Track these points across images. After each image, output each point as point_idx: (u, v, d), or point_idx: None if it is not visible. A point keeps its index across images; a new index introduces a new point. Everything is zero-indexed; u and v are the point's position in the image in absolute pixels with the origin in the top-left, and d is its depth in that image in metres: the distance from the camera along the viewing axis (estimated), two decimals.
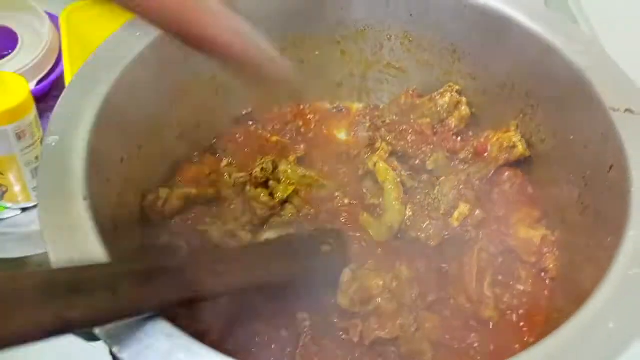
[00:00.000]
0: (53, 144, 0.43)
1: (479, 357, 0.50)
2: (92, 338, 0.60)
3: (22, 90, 0.64)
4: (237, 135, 0.68)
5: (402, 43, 0.66)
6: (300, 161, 0.64)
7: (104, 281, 0.31)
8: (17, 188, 0.72)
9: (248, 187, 0.60)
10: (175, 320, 0.36)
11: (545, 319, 0.51)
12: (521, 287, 0.54)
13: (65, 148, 0.43)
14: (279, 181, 0.61)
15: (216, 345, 0.36)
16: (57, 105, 0.46)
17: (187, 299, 0.37)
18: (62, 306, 0.29)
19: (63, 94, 0.47)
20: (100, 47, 0.51)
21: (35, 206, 0.73)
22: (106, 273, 0.32)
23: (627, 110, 0.47)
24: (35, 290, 0.28)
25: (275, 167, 0.61)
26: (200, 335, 0.47)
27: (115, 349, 0.33)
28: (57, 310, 0.29)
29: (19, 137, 0.65)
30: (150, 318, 0.35)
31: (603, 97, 0.49)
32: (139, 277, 0.34)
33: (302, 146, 0.65)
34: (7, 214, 0.74)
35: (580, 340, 0.35)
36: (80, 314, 0.30)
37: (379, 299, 0.51)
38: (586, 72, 0.50)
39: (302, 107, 0.71)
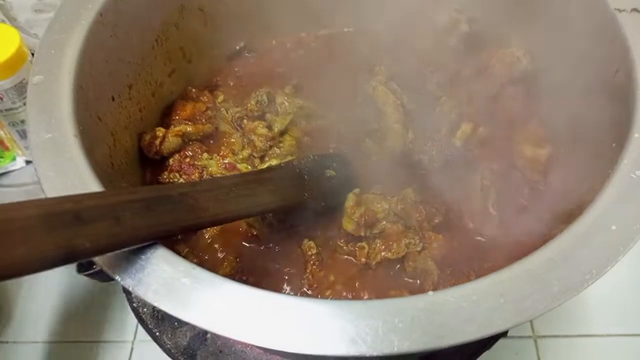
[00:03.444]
0: (38, 83, 0.42)
1: (484, 274, 0.50)
2: (105, 279, 0.61)
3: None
4: (236, 70, 0.66)
5: None
6: (297, 91, 0.62)
7: (106, 210, 0.31)
8: (13, 143, 0.72)
9: (245, 121, 0.59)
10: (186, 256, 0.37)
11: (549, 234, 0.51)
12: (525, 203, 0.54)
13: (51, 87, 0.42)
14: (277, 113, 0.60)
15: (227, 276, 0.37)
16: (39, 44, 0.45)
17: (190, 226, 0.37)
18: (68, 235, 0.29)
19: (44, 32, 0.45)
20: None
21: None
22: (107, 202, 0.32)
23: (633, 9, 0.45)
24: (40, 219, 0.28)
25: (271, 100, 0.59)
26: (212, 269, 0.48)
27: (117, 277, 0.34)
28: (62, 239, 0.29)
29: None
30: (151, 246, 0.35)
31: None
32: (141, 205, 0.33)
33: (296, 76, 0.63)
34: (13, 166, 0.75)
35: (581, 244, 0.35)
36: (85, 242, 0.30)
37: (384, 222, 0.51)
38: None
39: (301, 35, 0.69)
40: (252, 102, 0.60)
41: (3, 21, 0.78)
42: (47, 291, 0.72)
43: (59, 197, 0.31)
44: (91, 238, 0.30)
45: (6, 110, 0.67)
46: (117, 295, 0.71)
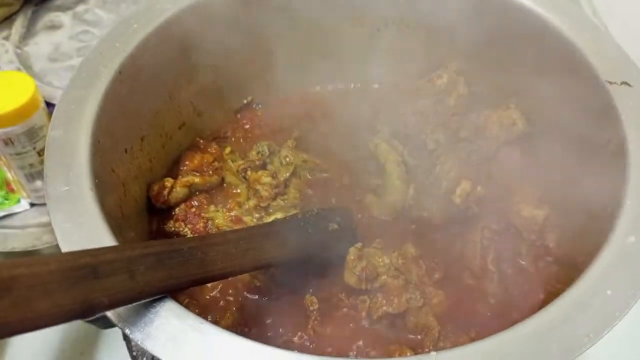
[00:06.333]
0: (57, 136, 0.44)
1: (484, 330, 0.50)
2: (107, 325, 0.61)
3: (14, 100, 0.59)
4: (243, 122, 0.69)
5: (398, 27, 0.66)
6: (301, 145, 0.64)
7: (121, 264, 0.32)
8: (18, 185, 0.73)
9: (249, 172, 0.61)
10: (187, 306, 0.37)
11: (546, 293, 0.52)
12: (523, 263, 0.55)
13: (70, 141, 0.44)
14: (280, 164, 0.62)
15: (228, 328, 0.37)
16: (59, 100, 0.47)
17: (199, 279, 0.38)
18: (85, 289, 0.30)
19: (66, 87, 0.48)
20: (99, 40, 0.52)
21: (43, 203, 0.75)
22: (122, 257, 0.33)
23: (623, 82, 0.48)
24: (60, 274, 0.29)
25: (272, 151, 0.61)
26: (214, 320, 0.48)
27: (127, 330, 0.34)
28: (81, 294, 0.30)
29: (6, 143, 0.64)
30: (160, 300, 0.36)
31: (599, 71, 0.49)
32: (153, 259, 0.35)
33: (300, 130, 0.65)
34: (18, 208, 0.76)
35: (579, 308, 0.36)
36: (102, 297, 0.31)
37: (385, 277, 0.52)
38: (583, 48, 0.51)
39: (307, 91, 0.72)
40: (253, 153, 0.62)
41: (19, 69, 0.81)
42: (41, 334, 0.71)
43: (77, 252, 0.32)
44: (107, 292, 0.31)
45: (16, 154, 0.68)
46: (112, 341, 0.70)
